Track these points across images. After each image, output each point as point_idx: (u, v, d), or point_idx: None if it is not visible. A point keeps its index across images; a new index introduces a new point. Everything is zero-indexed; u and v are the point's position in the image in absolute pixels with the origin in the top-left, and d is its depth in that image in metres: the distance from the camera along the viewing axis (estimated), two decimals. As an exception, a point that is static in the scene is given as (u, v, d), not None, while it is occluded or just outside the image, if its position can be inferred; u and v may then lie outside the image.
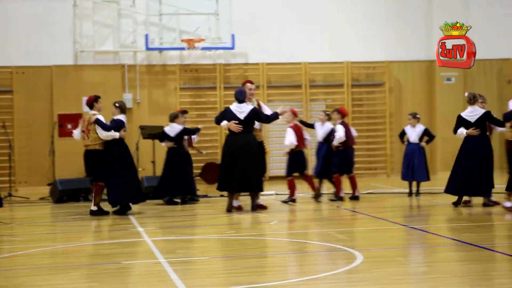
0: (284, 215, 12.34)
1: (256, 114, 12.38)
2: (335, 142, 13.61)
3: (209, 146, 18.51)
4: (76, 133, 12.85)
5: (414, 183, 14.36)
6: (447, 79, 19.60)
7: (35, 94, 18.59)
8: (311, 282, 6.98)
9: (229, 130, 12.34)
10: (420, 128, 14.34)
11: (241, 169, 12.15)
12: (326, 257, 8.54)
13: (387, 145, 19.56)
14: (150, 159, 16.60)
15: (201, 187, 14.78)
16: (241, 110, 12.28)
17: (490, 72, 19.89)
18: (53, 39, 18.72)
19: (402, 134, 14.49)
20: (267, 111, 12.85)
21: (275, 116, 12.48)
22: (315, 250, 8.91)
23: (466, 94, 12.57)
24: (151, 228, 11.04)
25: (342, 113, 13.87)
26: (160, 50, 19.04)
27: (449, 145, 18.62)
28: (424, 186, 14.68)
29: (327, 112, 14.43)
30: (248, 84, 12.72)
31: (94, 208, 12.55)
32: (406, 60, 19.83)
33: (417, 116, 14.48)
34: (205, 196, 14.94)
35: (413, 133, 14.31)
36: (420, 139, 14.30)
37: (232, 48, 18.96)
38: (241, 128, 12.23)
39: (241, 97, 12.36)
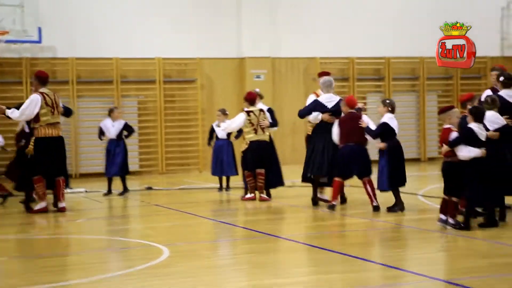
0: (92, 213, 12.07)
1: None
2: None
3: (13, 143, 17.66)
4: None
5: (225, 178, 14.61)
6: (257, 76, 20.09)
7: None
8: (114, 279, 6.89)
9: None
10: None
11: None
12: (132, 253, 8.46)
13: (199, 141, 19.71)
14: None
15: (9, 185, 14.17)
16: None
17: (297, 70, 20.62)
18: None
19: (211, 132, 14.63)
20: None
21: None
22: (121, 247, 8.80)
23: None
24: None
25: None
26: (-41, 42, 17.97)
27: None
28: (235, 180, 14.95)
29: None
30: None
31: None
32: (217, 57, 20.08)
33: (226, 112, 14.72)
34: (10, 194, 14.27)
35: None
36: (228, 135, 14.51)
37: (39, 41, 18.24)
38: None
39: None
